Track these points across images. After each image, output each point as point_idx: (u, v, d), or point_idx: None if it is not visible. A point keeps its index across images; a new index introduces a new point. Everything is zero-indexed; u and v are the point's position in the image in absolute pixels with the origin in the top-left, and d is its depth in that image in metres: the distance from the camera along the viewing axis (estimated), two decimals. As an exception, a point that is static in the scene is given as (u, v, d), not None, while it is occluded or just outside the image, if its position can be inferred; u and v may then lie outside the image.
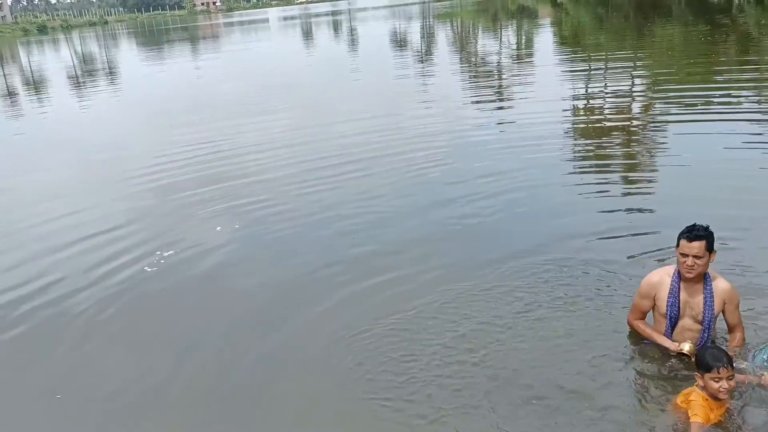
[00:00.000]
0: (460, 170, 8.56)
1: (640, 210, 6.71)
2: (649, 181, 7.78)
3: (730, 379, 3.36)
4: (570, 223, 6.41)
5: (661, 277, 4.01)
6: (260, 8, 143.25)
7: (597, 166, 8.57)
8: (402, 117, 12.58)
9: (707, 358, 3.41)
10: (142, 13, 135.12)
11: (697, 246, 3.75)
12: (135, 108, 17.65)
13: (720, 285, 3.90)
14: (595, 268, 5.33)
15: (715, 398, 3.40)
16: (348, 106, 14.24)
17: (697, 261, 3.77)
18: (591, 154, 9.22)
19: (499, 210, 7.02)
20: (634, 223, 6.28)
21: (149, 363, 4.71)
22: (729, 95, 11.77)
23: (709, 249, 3.78)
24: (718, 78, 13.71)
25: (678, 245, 3.84)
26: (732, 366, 3.39)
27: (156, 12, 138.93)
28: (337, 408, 4.00)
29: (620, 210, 6.75)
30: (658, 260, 5.29)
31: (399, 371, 4.20)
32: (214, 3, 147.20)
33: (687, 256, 3.78)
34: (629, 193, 7.33)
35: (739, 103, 11.13)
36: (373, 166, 9.11)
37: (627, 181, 7.87)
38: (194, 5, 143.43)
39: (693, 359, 3.85)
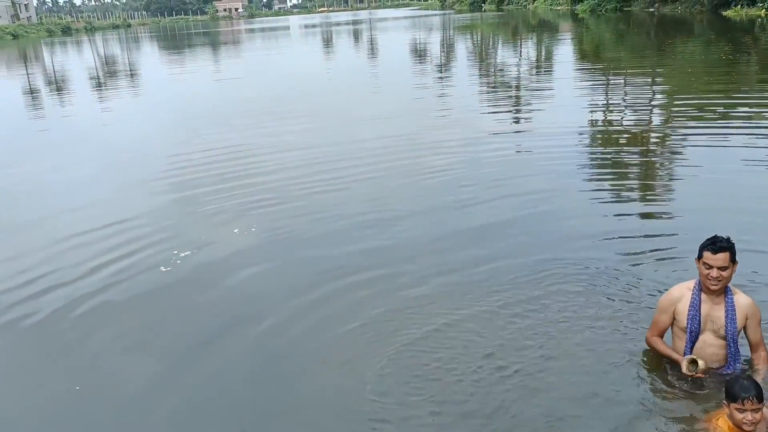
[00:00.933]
0: (476, 179, 8.59)
1: (658, 221, 6.72)
2: (668, 193, 7.77)
3: (756, 412, 3.26)
4: (589, 233, 6.39)
5: (682, 292, 3.98)
6: (281, 15, 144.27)
7: (615, 176, 8.59)
8: (419, 124, 12.66)
9: (734, 388, 3.31)
10: (164, 17, 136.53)
11: (722, 257, 3.73)
12: (155, 109, 17.83)
13: (742, 299, 3.86)
14: (612, 278, 5.34)
15: (741, 428, 3.31)
16: (365, 113, 14.30)
17: (722, 273, 3.75)
18: (609, 164, 9.22)
19: (516, 218, 7.02)
20: (652, 234, 6.27)
21: (159, 362, 4.71)
22: (749, 111, 11.73)
23: (733, 260, 3.77)
24: (739, 94, 13.64)
25: (701, 257, 3.81)
26: (760, 399, 3.28)
27: (178, 16, 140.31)
28: (345, 417, 3.99)
29: (638, 221, 6.75)
30: (676, 269, 5.29)
31: (411, 380, 4.20)
32: (236, 9, 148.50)
33: (711, 267, 3.76)
34: (648, 204, 7.34)
35: (760, 118, 11.05)
36: (391, 171, 9.21)
37: (645, 192, 7.87)
38: (216, 11, 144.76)
39: (706, 376, 3.80)
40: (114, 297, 5.75)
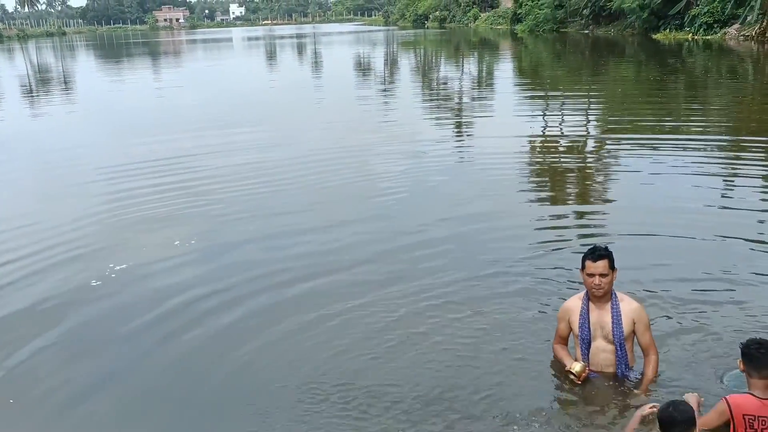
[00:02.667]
0: (415, 191, 8.66)
1: (591, 227, 7.01)
2: (601, 200, 8.10)
3: None
4: (519, 244, 6.50)
5: (574, 302, 4.17)
6: (224, 27, 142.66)
7: (551, 184, 8.89)
8: (362, 133, 12.77)
9: (675, 418, 3.13)
10: (101, 26, 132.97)
11: (602, 265, 3.94)
12: (92, 120, 17.25)
13: (628, 305, 4.04)
14: (540, 283, 5.53)
15: None
16: (309, 126, 14.26)
17: (603, 279, 3.94)
18: (546, 173, 9.55)
19: (452, 231, 7.01)
20: (587, 235, 6.56)
21: (83, 379, 4.54)
22: (677, 129, 12.30)
23: (612, 267, 3.97)
24: (666, 110, 14.31)
25: (584, 267, 4.01)
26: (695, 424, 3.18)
27: (116, 25, 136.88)
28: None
29: (572, 225, 7.05)
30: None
31: (338, 390, 4.20)
32: (177, 20, 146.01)
33: (593, 275, 3.95)
34: (581, 218, 7.53)
35: (687, 136, 11.59)
36: (333, 179, 9.32)
37: (580, 199, 8.18)
38: (156, 20, 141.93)
39: (581, 379, 3.94)
40: (37, 308, 5.53)
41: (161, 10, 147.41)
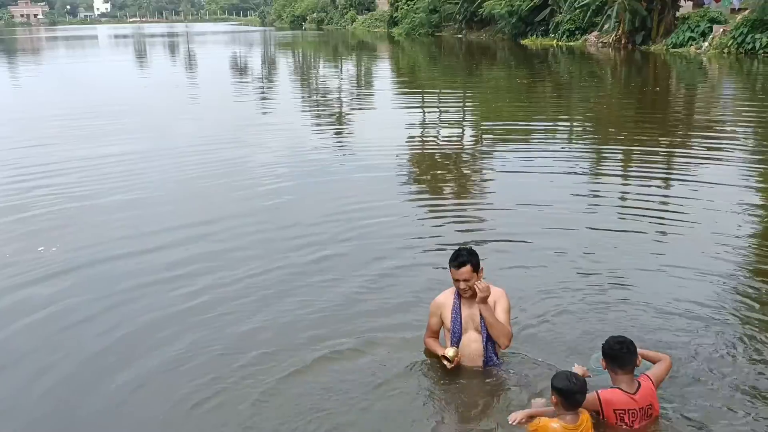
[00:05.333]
0: (295, 196, 8.37)
1: (467, 222, 7.19)
2: (475, 186, 8.62)
3: None
4: (400, 245, 6.43)
5: (446, 298, 4.26)
6: (88, 24, 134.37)
7: (430, 188, 9.03)
8: (238, 134, 12.52)
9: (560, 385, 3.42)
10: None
11: (465, 271, 4.05)
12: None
13: (494, 293, 4.12)
14: (409, 280, 5.56)
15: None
16: (183, 129, 13.70)
17: (467, 283, 4.06)
18: (425, 176, 9.71)
19: (334, 233, 6.75)
20: (459, 242, 6.66)
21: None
22: (545, 127, 13.08)
23: (476, 269, 4.08)
24: (535, 112, 15.12)
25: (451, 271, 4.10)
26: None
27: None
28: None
29: (449, 223, 7.14)
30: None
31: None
32: (35, 15, 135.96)
33: (458, 280, 4.07)
34: (458, 211, 7.69)
35: (554, 132, 12.46)
36: (208, 189, 8.84)
37: (456, 201, 8.31)
38: (12, 16, 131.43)
39: (454, 363, 4.03)
40: None
41: (17, 4, 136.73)
